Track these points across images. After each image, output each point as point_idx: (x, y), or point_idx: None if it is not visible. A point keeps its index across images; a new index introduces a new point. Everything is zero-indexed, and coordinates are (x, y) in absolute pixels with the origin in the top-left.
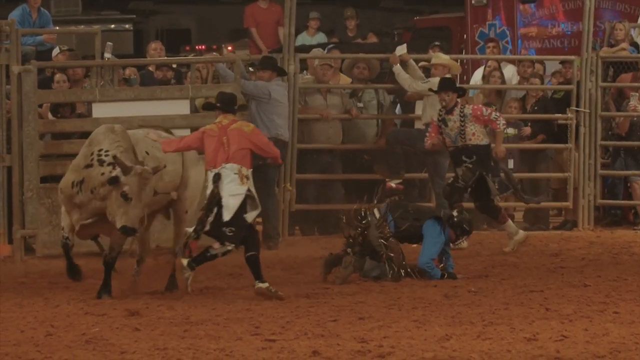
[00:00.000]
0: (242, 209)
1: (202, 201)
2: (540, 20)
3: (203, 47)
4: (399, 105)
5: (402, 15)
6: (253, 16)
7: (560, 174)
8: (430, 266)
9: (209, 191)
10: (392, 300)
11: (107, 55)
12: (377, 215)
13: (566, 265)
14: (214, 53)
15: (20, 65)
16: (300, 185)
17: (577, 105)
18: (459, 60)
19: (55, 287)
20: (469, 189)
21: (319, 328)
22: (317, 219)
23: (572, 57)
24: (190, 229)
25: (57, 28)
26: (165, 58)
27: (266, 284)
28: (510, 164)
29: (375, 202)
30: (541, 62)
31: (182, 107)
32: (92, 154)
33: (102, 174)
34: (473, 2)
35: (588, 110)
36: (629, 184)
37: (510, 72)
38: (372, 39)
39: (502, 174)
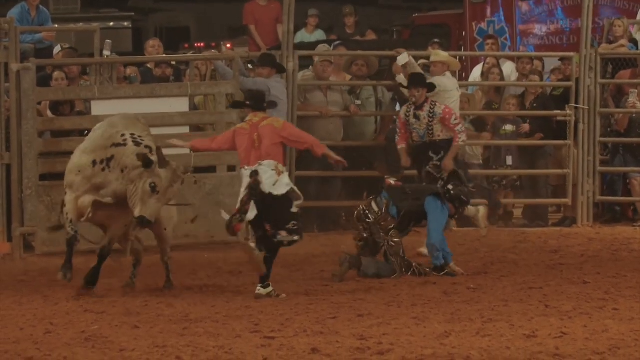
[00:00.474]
0: (290, 201)
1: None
2: (539, 16)
3: (202, 44)
4: (398, 103)
5: (400, 12)
6: (252, 14)
7: (559, 171)
8: (442, 246)
9: (244, 188)
10: (391, 298)
11: (106, 53)
12: (376, 208)
13: (565, 262)
14: (213, 51)
15: (19, 63)
16: (300, 182)
17: (576, 102)
18: (458, 57)
19: (54, 284)
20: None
21: (318, 325)
22: (317, 216)
23: (571, 53)
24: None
25: (56, 26)
26: (164, 56)
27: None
28: (509, 160)
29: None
30: (540, 58)
31: (181, 105)
32: (122, 135)
33: (137, 155)
34: None
35: (587, 107)
36: (628, 181)
37: (509, 69)
38: (371, 36)
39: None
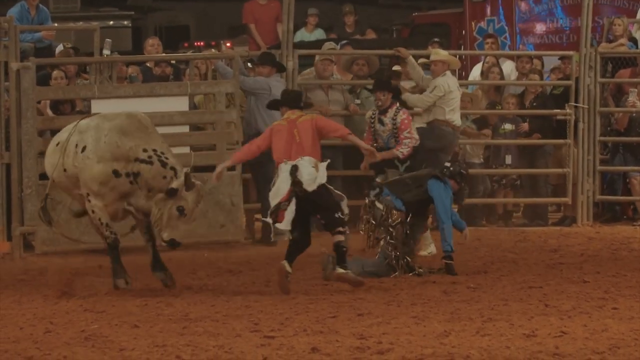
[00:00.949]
0: (328, 190)
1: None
2: (539, 15)
3: (202, 43)
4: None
5: (400, 11)
6: (252, 12)
7: (559, 170)
8: (455, 219)
9: (283, 182)
10: (391, 297)
11: (106, 51)
12: (381, 207)
13: (565, 261)
14: (213, 50)
15: (19, 62)
16: None
17: (576, 101)
18: (457, 56)
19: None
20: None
21: (318, 324)
22: None
23: (571, 52)
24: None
25: (56, 25)
26: (164, 54)
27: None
28: (508, 159)
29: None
30: (540, 57)
31: (180, 104)
32: (144, 150)
33: (164, 177)
34: None
35: (587, 106)
36: (627, 180)
37: (509, 67)
38: (371, 35)
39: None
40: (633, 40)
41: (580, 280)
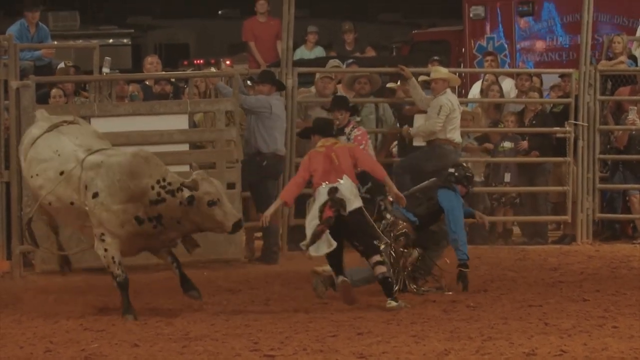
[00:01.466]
0: (364, 215)
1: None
2: (539, 33)
3: (201, 61)
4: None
5: (400, 28)
6: (251, 30)
7: (558, 188)
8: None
9: (320, 204)
10: (390, 315)
11: (106, 70)
12: (389, 217)
13: (565, 279)
14: (212, 68)
15: (19, 80)
16: (298, 200)
17: (576, 119)
18: (457, 74)
19: (55, 303)
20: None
21: (318, 343)
22: None
23: (571, 70)
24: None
25: (56, 43)
26: (164, 72)
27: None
28: (507, 177)
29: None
30: (539, 75)
31: (180, 122)
32: (152, 187)
33: (180, 203)
34: (471, 15)
35: (586, 124)
36: (627, 198)
37: (508, 85)
38: (371, 52)
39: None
40: (633, 57)
41: (580, 298)
